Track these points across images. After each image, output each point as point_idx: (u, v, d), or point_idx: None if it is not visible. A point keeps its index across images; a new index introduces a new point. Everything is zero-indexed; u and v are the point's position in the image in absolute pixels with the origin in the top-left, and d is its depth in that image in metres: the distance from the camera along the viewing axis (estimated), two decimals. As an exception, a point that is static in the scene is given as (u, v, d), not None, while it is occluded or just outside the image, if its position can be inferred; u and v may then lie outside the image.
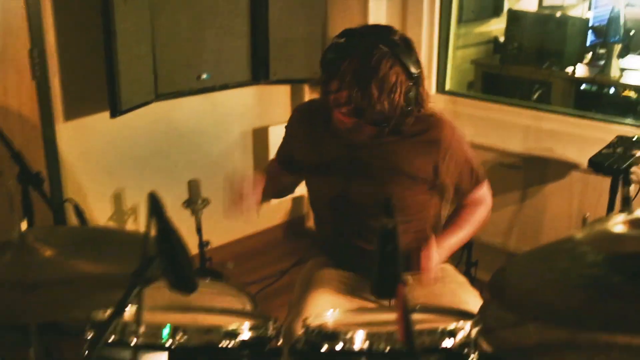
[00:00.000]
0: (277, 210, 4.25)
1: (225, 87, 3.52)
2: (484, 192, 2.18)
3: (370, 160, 2.01)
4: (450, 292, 2.04)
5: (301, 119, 2.18)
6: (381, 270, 1.14)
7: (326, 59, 1.92)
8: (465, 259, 3.24)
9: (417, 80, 1.89)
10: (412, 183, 2.03)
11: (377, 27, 1.95)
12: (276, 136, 3.80)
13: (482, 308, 1.60)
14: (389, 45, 1.85)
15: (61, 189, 3.07)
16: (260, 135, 3.96)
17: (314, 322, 1.44)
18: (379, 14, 3.65)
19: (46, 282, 1.42)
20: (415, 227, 2.09)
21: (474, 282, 3.18)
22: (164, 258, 1.18)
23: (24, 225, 1.43)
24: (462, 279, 2.16)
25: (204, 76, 3.35)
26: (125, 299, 1.13)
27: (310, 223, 3.13)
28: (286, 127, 2.24)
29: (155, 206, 1.12)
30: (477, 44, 4.67)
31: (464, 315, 1.49)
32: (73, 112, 3.14)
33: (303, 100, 4.08)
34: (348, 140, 2.00)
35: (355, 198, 2.04)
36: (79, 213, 2.54)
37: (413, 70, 1.87)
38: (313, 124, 2.09)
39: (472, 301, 2.02)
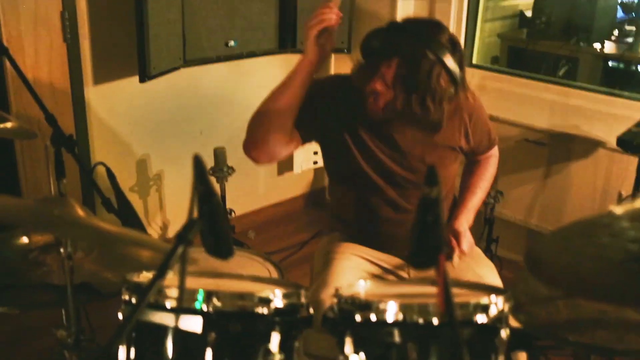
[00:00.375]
0: (299, 181, 4.26)
1: (252, 54, 3.50)
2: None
3: (406, 135, 2.02)
4: (465, 265, 2.07)
5: (337, 89, 2.08)
6: (421, 240, 1.14)
7: (368, 47, 1.88)
8: (486, 236, 3.25)
9: (461, 82, 1.87)
10: (446, 152, 2.05)
11: (424, 25, 1.88)
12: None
13: (512, 283, 1.61)
14: (436, 50, 1.80)
15: (89, 153, 3.09)
16: (284, 105, 3.94)
17: (346, 291, 1.45)
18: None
19: (83, 244, 1.44)
20: (444, 195, 2.12)
21: (493, 258, 3.19)
22: (205, 221, 1.19)
23: (63, 186, 1.44)
24: (476, 251, 2.18)
25: (232, 43, 3.34)
26: (168, 260, 1.14)
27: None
28: (316, 91, 2.04)
29: (199, 169, 1.13)
30: (502, 18, 4.62)
31: (495, 290, 1.50)
32: (102, 76, 3.15)
33: (329, 70, 4.06)
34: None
35: (390, 171, 2.04)
36: (111, 176, 2.55)
37: (457, 74, 1.84)
38: (347, 97, 2.03)
39: (487, 273, 2.05)
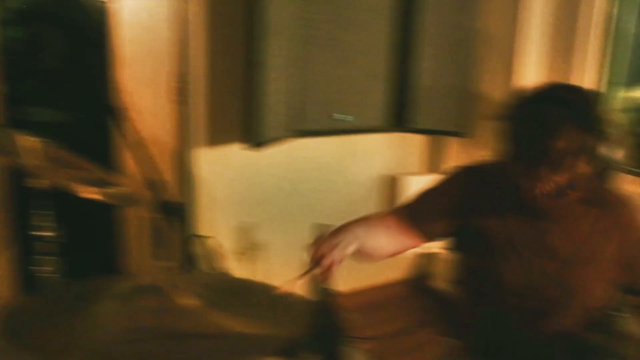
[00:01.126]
0: (402, 264, 4.06)
1: (363, 130, 3.39)
2: None
3: (557, 237, 1.74)
4: None
5: (481, 181, 1.83)
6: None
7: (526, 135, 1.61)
8: None
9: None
10: (593, 262, 1.77)
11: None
12: (407, 187, 3.65)
13: None
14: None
15: (193, 220, 2.99)
16: (390, 184, 3.82)
17: None
18: (530, 74, 3.45)
19: (192, 335, 1.32)
20: (582, 306, 1.79)
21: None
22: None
23: (170, 267, 1.30)
24: None
25: (346, 117, 3.23)
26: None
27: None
28: (451, 182, 1.86)
29: (326, 301, 0.95)
30: (622, 111, 4.34)
31: None
32: (211, 140, 3.11)
33: (441, 152, 3.90)
34: (536, 214, 1.73)
35: (544, 280, 1.75)
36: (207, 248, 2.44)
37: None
38: (494, 190, 1.79)
39: None
